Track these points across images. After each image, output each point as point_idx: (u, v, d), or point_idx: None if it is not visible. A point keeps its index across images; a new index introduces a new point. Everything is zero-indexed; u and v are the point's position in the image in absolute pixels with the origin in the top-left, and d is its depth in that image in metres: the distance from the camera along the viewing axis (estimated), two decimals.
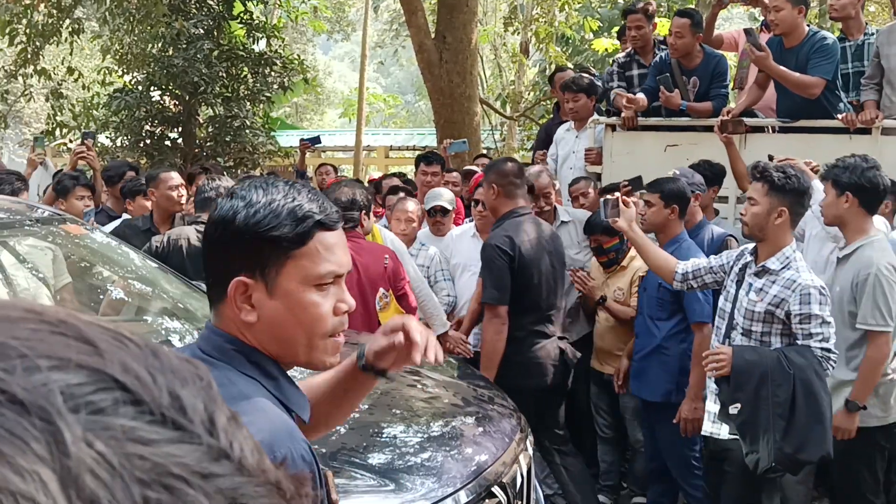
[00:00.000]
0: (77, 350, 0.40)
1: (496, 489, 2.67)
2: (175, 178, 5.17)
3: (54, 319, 0.42)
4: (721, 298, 3.74)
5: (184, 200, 5.17)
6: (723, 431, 3.58)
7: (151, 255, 4.41)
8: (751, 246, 3.65)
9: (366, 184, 7.76)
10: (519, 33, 16.13)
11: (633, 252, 4.56)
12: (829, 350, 3.33)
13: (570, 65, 13.34)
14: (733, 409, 3.38)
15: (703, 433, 3.72)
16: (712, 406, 3.60)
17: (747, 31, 5.29)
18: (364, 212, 4.41)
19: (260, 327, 1.39)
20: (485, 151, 14.28)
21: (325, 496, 1.42)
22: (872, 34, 5.39)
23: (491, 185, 4.26)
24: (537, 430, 4.19)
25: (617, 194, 4.17)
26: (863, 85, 5.29)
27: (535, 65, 17.53)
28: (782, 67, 5.05)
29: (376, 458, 2.64)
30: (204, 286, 4.03)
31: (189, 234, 4.51)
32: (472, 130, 10.26)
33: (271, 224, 1.36)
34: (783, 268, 3.46)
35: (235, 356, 1.40)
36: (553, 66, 12.72)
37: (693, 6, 6.80)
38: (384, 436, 2.84)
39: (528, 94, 16.78)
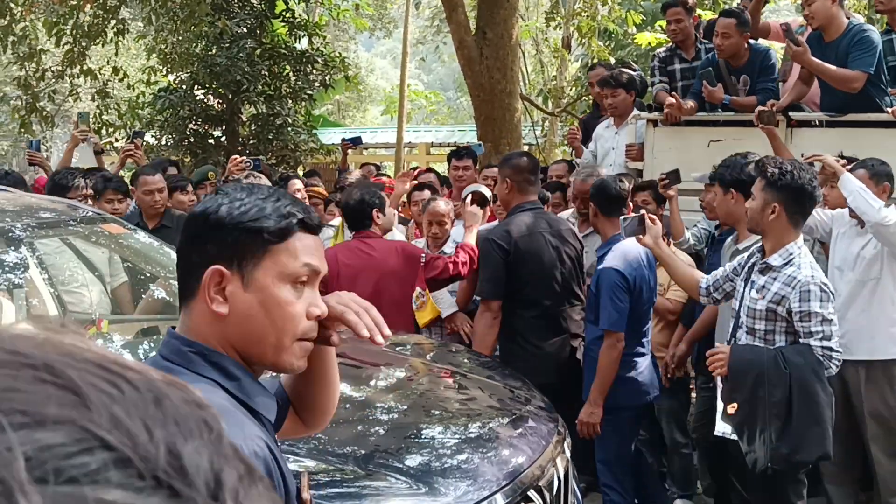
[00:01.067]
0: (59, 402, 0.35)
1: (532, 493, 2.63)
2: (151, 181, 5.28)
3: (40, 363, 0.36)
4: (733, 298, 3.68)
5: (160, 206, 5.27)
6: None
7: None
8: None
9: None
10: (561, 28, 15.99)
11: None
12: (830, 349, 3.28)
13: (612, 59, 13.20)
14: (731, 409, 3.38)
15: (716, 433, 3.63)
16: (719, 406, 3.54)
17: (785, 28, 5.15)
18: (377, 210, 4.44)
19: (230, 321, 1.39)
20: (526, 147, 14.21)
21: (295, 495, 1.43)
22: None
23: (505, 180, 4.28)
24: None
25: (643, 211, 4.04)
26: None
27: (577, 60, 17.39)
28: (821, 62, 4.91)
29: (410, 461, 2.61)
30: None
31: None
32: (512, 126, 10.20)
33: (256, 216, 1.38)
34: (785, 264, 3.40)
35: (193, 358, 1.39)
36: (596, 61, 12.60)
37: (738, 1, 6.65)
38: (419, 438, 2.81)
39: (570, 89, 16.64)
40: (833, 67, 4.92)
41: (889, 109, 4.98)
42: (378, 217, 4.45)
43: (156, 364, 1.38)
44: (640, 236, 3.79)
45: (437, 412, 3.04)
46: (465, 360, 3.66)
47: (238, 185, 1.47)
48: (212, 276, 1.38)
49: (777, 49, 6.13)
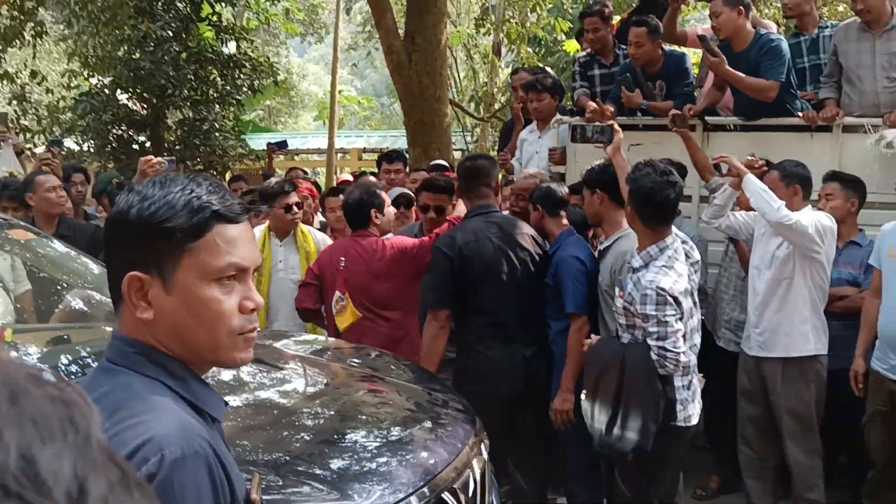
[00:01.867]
0: None
1: (447, 495, 2.62)
2: (50, 180, 5.13)
3: None
4: None
5: (64, 201, 5.14)
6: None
7: None
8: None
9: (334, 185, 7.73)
10: (491, 34, 16.11)
11: None
12: (664, 349, 3.42)
13: (541, 65, 13.35)
14: (582, 396, 3.65)
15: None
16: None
17: (702, 38, 5.28)
18: (375, 210, 4.44)
19: (159, 326, 1.33)
20: (458, 154, 14.26)
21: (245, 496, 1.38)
22: (827, 27, 5.41)
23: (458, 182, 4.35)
24: (504, 439, 4.15)
25: (611, 122, 4.39)
26: (822, 83, 5.30)
27: (507, 66, 17.53)
28: (738, 73, 5.05)
29: (325, 466, 2.58)
30: None
31: None
32: (442, 132, 10.23)
33: (165, 215, 1.31)
34: (642, 266, 3.54)
35: (137, 359, 1.34)
36: (524, 66, 12.72)
37: None
38: (335, 443, 2.78)
39: (501, 95, 16.77)
40: (749, 78, 5.05)
41: (800, 114, 5.14)
42: (376, 217, 4.49)
43: (102, 368, 1.36)
44: (603, 144, 4.22)
45: (354, 417, 3.02)
46: (385, 364, 3.64)
47: (151, 181, 1.38)
48: (130, 283, 1.32)
49: (693, 55, 6.27)
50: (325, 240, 5.11)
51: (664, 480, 3.76)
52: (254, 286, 1.40)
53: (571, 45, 13.87)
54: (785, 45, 5.14)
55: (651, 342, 3.45)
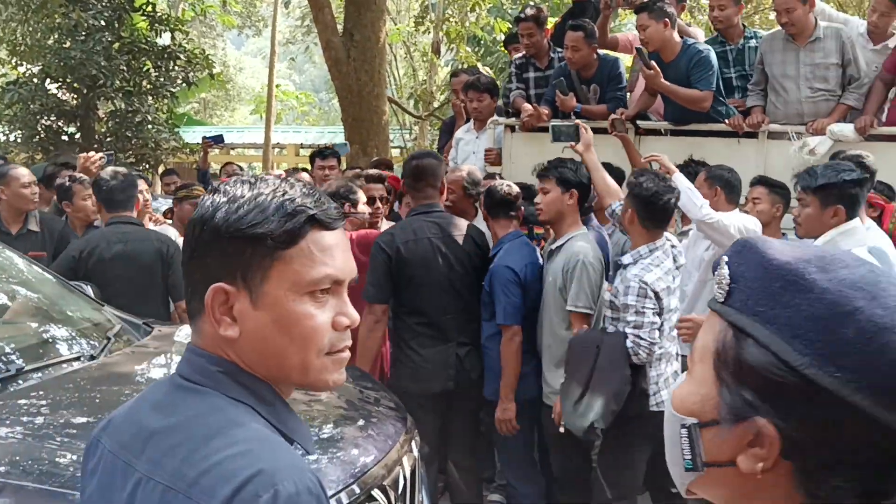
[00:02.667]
0: None
1: (376, 492, 2.64)
2: (26, 174, 5.00)
3: None
4: None
5: (37, 198, 5.02)
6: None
7: (73, 263, 4.28)
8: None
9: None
10: (430, 33, 16.15)
11: None
12: (639, 337, 3.61)
13: (480, 65, 13.44)
14: (561, 378, 3.84)
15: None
16: None
17: (638, 50, 5.41)
18: (349, 204, 4.47)
19: (244, 344, 1.19)
20: (397, 152, 14.27)
21: None
22: (751, 37, 5.57)
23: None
24: (439, 437, 4.18)
25: (577, 121, 4.48)
26: (749, 90, 5.47)
27: (446, 65, 17.60)
28: (673, 85, 5.19)
29: None
30: (87, 288, 3.89)
31: (109, 237, 4.40)
32: (380, 129, 10.22)
33: (255, 220, 1.17)
34: (632, 263, 3.72)
35: (223, 379, 1.20)
36: (465, 66, 12.78)
37: None
38: None
39: (440, 94, 16.82)
40: (684, 90, 5.18)
41: (727, 120, 5.29)
42: (349, 211, 4.49)
43: (179, 386, 1.22)
44: (573, 143, 4.31)
45: None
46: None
47: (239, 180, 1.25)
48: (214, 296, 1.19)
49: (623, 60, 6.39)
50: None
51: (638, 465, 3.86)
52: (348, 300, 1.27)
53: None
54: (713, 55, 5.28)
55: (628, 330, 3.63)
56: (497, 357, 4.13)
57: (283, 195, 1.20)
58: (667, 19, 5.20)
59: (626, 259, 3.77)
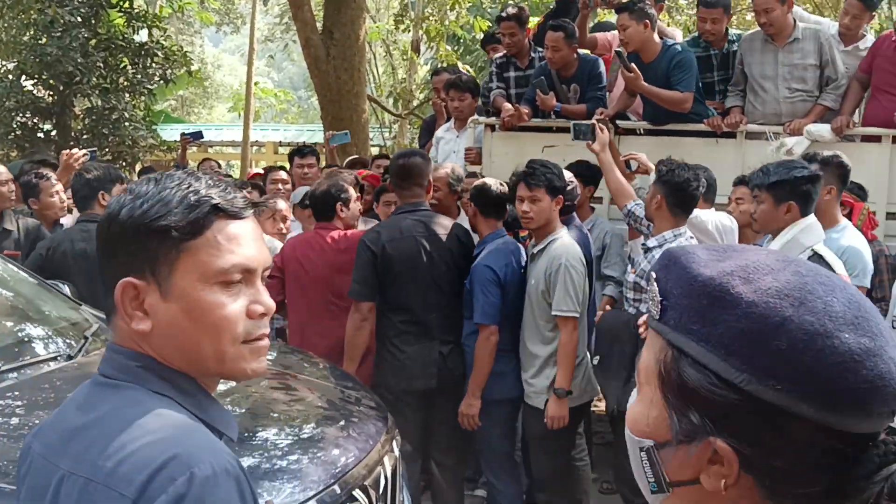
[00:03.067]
0: None
1: (357, 492, 2.63)
2: (3, 172, 4.94)
3: None
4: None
5: (13, 196, 4.96)
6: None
7: (41, 261, 4.24)
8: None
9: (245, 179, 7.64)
10: (410, 31, 16.12)
11: None
12: None
13: (460, 64, 13.44)
14: (595, 360, 3.98)
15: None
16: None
17: (618, 53, 5.43)
18: (341, 204, 4.48)
19: (158, 337, 1.21)
20: (377, 150, 14.24)
21: None
22: (735, 41, 5.60)
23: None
24: (422, 434, 4.19)
25: (594, 120, 4.60)
26: (729, 91, 5.51)
27: (426, 63, 17.58)
28: (653, 87, 5.22)
29: None
30: (65, 287, 3.86)
31: (73, 236, 4.36)
32: (359, 127, 10.20)
33: (159, 213, 1.19)
34: (658, 246, 3.84)
35: (143, 374, 1.21)
36: (445, 65, 12.78)
37: None
38: (246, 441, 2.76)
39: (419, 92, 16.80)
40: (665, 91, 5.21)
41: (705, 120, 5.32)
42: (342, 211, 4.52)
43: (98, 383, 1.24)
44: (590, 142, 4.42)
45: (265, 414, 3.00)
46: (297, 362, 3.63)
47: (146, 178, 1.26)
48: (123, 291, 1.20)
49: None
50: (274, 241, 5.05)
51: None
52: (263, 288, 1.27)
53: None
54: (692, 56, 5.32)
55: None
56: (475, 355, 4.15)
57: (188, 188, 1.21)
58: (647, 20, 5.23)
59: (651, 242, 3.93)
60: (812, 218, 3.58)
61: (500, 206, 4.30)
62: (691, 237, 3.99)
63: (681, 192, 3.90)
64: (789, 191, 3.52)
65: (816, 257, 3.46)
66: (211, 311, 1.20)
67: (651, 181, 4.40)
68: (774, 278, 0.84)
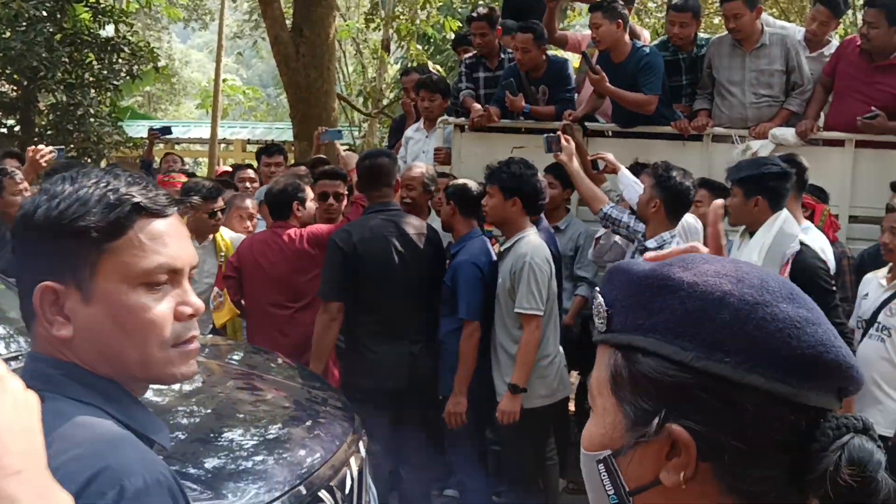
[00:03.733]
0: None
1: (323, 493, 2.63)
2: None
3: None
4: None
5: None
6: None
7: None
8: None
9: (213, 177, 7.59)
10: (380, 30, 16.09)
11: None
12: None
13: (430, 63, 13.43)
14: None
15: None
16: None
17: (584, 55, 5.47)
18: (297, 203, 4.48)
19: (80, 343, 1.15)
20: (345, 147, 14.17)
21: None
22: (703, 45, 5.65)
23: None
24: (391, 433, 4.18)
25: (559, 132, 4.58)
26: (696, 94, 5.56)
27: (396, 62, 17.55)
28: (619, 90, 5.25)
29: (201, 466, 2.54)
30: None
31: None
32: (329, 126, 10.13)
33: (77, 213, 1.12)
34: (658, 247, 3.81)
35: (66, 382, 1.15)
36: (415, 65, 12.76)
37: None
38: (212, 442, 2.74)
39: (389, 91, 16.77)
40: (629, 93, 5.24)
41: (672, 123, 5.37)
42: (298, 210, 4.54)
43: None
44: (558, 153, 4.44)
45: (230, 415, 2.98)
46: (263, 362, 3.61)
47: (62, 177, 1.18)
48: (42, 296, 1.13)
49: (572, 60, 6.44)
50: (234, 236, 5.03)
51: None
52: (191, 289, 1.22)
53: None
54: (660, 59, 5.36)
55: None
56: (455, 353, 4.16)
57: (107, 186, 1.16)
58: (620, 20, 5.27)
59: (651, 244, 3.94)
60: (787, 212, 3.69)
61: (479, 206, 4.33)
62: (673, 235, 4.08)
63: (680, 199, 3.99)
64: (758, 186, 3.65)
65: (808, 248, 3.61)
66: (136, 315, 1.15)
67: (622, 181, 4.44)
68: (711, 265, 0.87)
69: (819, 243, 3.97)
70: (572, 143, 4.50)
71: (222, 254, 4.88)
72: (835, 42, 5.72)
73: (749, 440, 0.81)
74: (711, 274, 0.86)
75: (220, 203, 4.91)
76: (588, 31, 5.98)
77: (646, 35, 6.63)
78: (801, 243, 3.64)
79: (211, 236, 4.92)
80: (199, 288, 4.79)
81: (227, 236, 5.04)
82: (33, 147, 4.92)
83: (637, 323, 0.87)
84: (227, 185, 6.46)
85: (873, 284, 4.11)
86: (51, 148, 5.14)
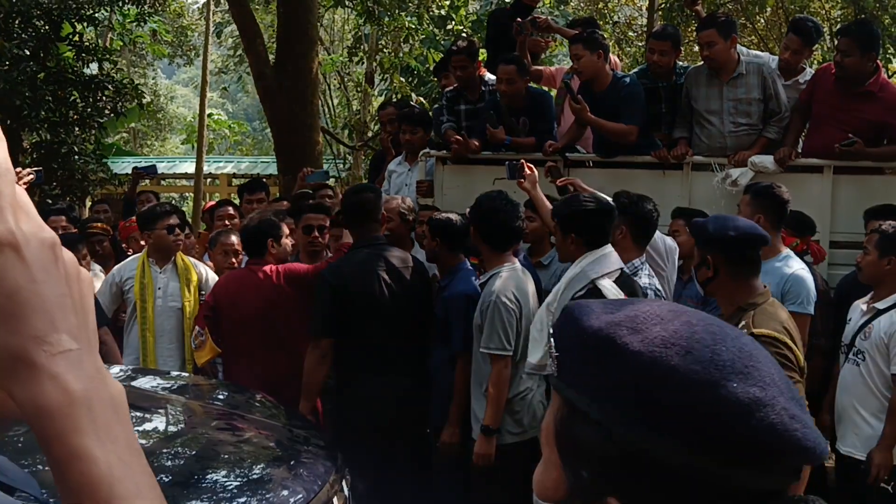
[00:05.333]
0: None
1: None
2: None
3: None
4: None
5: None
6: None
7: None
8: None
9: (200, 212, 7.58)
10: (364, 63, 16.20)
11: None
12: None
13: (414, 95, 13.52)
14: None
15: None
16: None
17: (566, 84, 5.53)
18: (272, 240, 4.49)
19: None
20: (331, 182, 14.20)
21: None
22: (682, 73, 5.72)
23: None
24: (379, 470, 4.15)
25: (522, 160, 4.60)
26: (676, 123, 5.61)
27: (381, 94, 17.63)
28: (600, 120, 5.29)
29: None
30: None
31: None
32: (313, 159, 10.17)
33: None
34: (631, 273, 3.85)
35: None
36: (399, 97, 12.84)
37: None
38: (193, 484, 2.72)
39: (373, 123, 16.84)
40: (610, 123, 5.29)
41: (652, 152, 5.41)
42: (273, 247, 4.53)
43: None
44: (521, 180, 4.46)
45: (213, 457, 2.96)
46: (245, 401, 3.58)
47: None
48: None
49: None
50: (208, 269, 5.01)
51: None
52: None
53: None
54: (640, 89, 5.42)
55: None
56: (447, 385, 4.14)
57: None
58: (601, 51, 5.33)
59: (625, 270, 3.91)
60: (605, 250, 3.65)
61: (464, 238, 4.32)
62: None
63: (645, 224, 4.05)
64: (572, 223, 3.66)
65: (595, 290, 3.50)
66: None
67: None
68: (663, 328, 0.82)
69: (798, 272, 4.00)
70: (535, 171, 4.50)
71: (193, 283, 4.84)
72: (810, 70, 5.80)
73: None
74: (659, 343, 0.80)
75: (176, 218, 4.89)
76: (560, 66, 6.05)
77: (615, 59, 6.71)
78: (596, 287, 3.53)
79: (172, 259, 4.89)
80: (164, 313, 4.78)
81: (202, 270, 5.01)
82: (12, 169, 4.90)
83: (581, 380, 0.83)
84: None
85: (857, 311, 4.14)
86: (29, 170, 5.14)
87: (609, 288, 3.50)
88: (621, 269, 3.68)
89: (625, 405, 0.79)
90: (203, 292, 4.85)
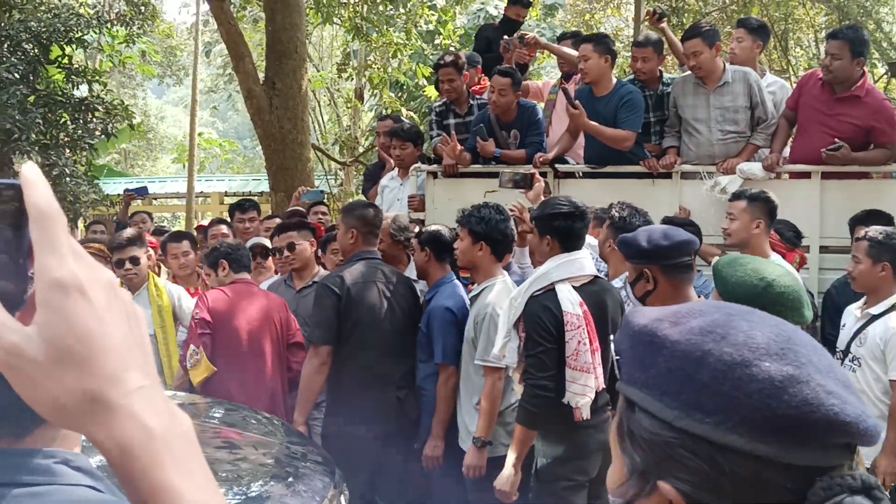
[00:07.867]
0: None
1: None
2: None
3: None
4: None
5: None
6: None
7: None
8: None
9: (193, 231, 7.59)
10: (353, 79, 16.25)
11: None
12: None
13: (404, 110, 13.57)
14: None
15: None
16: None
17: (564, 90, 5.57)
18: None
19: None
20: (324, 199, 14.23)
21: None
22: (668, 84, 5.76)
23: (350, 230, 4.33)
24: (374, 481, 4.16)
25: (532, 170, 4.65)
26: (665, 132, 5.65)
27: (370, 110, 17.70)
28: (596, 124, 5.33)
29: None
30: None
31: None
32: (304, 176, 10.21)
33: None
34: (622, 286, 3.84)
35: (63, 470, 0.96)
36: (389, 112, 12.89)
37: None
38: None
39: (364, 139, 16.89)
40: (607, 129, 5.32)
41: (641, 162, 5.44)
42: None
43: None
44: (525, 190, 4.52)
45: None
46: (241, 419, 3.59)
47: None
48: None
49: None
50: (182, 292, 4.99)
51: None
52: None
53: (433, 91, 14.18)
54: (640, 98, 5.46)
55: None
56: (433, 399, 4.16)
57: None
58: (608, 56, 5.38)
59: (616, 283, 3.94)
60: (576, 255, 3.62)
61: (452, 251, 4.33)
62: None
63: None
64: (548, 226, 3.63)
65: (551, 292, 3.48)
66: None
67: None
68: (702, 320, 0.88)
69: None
70: (541, 182, 4.56)
71: (165, 308, 4.80)
72: (770, 75, 5.83)
73: (738, 497, 0.81)
74: (697, 331, 0.87)
75: (127, 253, 4.78)
76: (547, 80, 6.10)
77: None
78: (553, 290, 3.52)
79: (143, 286, 4.81)
80: None
81: (172, 290, 4.95)
82: None
83: (634, 376, 0.90)
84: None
85: (851, 316, 4.15)
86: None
87: (565, 293, 3.47)
88: (595, 276, 3.66)
89: (668, 390, 0.85)
90: (178, 317, 4.82)
